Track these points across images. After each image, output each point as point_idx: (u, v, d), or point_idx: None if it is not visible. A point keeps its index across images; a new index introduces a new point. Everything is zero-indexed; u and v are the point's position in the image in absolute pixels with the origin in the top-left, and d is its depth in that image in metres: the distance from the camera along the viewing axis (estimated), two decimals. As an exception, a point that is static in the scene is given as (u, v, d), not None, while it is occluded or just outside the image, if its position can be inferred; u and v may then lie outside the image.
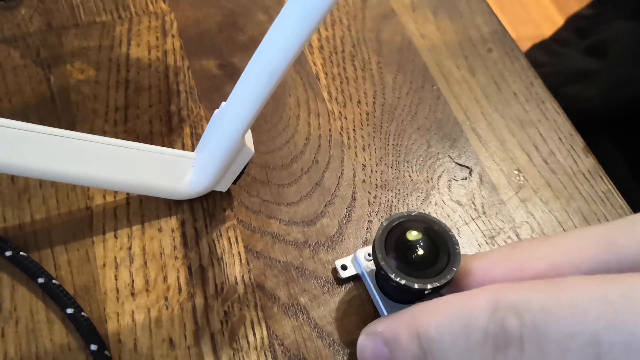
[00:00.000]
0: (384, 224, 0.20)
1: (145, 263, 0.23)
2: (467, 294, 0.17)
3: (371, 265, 0.22)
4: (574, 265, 0.17)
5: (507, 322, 0.15)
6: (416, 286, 0.19)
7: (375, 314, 0.22)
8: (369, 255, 0.22)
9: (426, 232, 0.20)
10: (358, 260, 0.22)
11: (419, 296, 0.21)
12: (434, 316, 0.17)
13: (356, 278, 0.23)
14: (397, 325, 0.18)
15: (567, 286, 0.15)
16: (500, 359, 0.15)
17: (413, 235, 0.20)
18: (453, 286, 0.19)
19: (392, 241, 0.20)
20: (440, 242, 0.20)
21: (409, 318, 0.17)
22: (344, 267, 0.23)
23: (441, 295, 0.19)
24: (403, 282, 0.19)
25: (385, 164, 0.26)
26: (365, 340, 0.19)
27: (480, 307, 0.16)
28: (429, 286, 0.19)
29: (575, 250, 0.17)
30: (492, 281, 0.18)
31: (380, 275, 0.21)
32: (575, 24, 0.47)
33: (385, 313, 0.21)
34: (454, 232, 0.24)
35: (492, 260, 0.19)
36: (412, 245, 0.20)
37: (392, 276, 0.19)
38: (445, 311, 0.17)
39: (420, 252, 0.20)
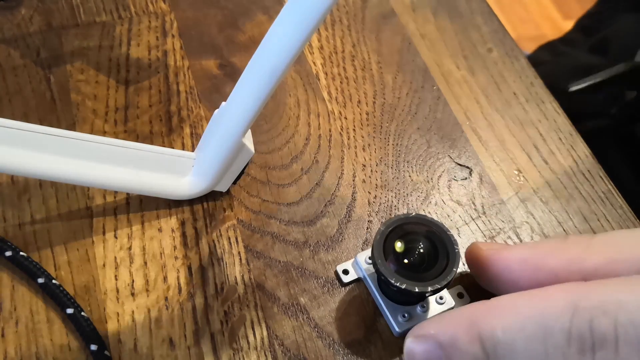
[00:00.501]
0: (382, 228, 0.20)
1: (145, 263, 0.23)
2: (537, 293, 0.16)
3: (372, 268, 0.22)
4: (631, 261, 0.16)
5: (597, 322, 0.14)
6: (417, 290, 0.19)
7: (376, 314, 0.22)
8: (369, 258, 0.22)
9: (425, 233, 0.20)
10: (359, 264, 0.22)
11: (421, 298, 0.21)
12: (501, 317, 0.16)
13: (358, 281, 0.23)
14: (453, 327, 0.17)
15: None
16: None
17: (398, 247, 0.20)
18: (505, 272, 0.19)
19: (391, 244, 0.20)
20: (439, 243, 0.20)
21: (468, 319, 0.17)
22: (345, 272, 0.23)
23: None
24: (403, 286, 0.19)
25: (385, 164, 0.26)
26: (414, 344, 0.18)
27: (558, 308, 0.15)
28: (429, 289, 0.19)
29: (631, 247, 0.17)
30: (548, 271, 0.18)
31: (381, 280, 0.21)
32: (582, 24, 0.47)
33: (388, 315, 0.21)
34: (454, 232, 0.24)
35: (544, 250, 0.18)
36: (410, 250, 0.20)
37: (392, 281, 0.19)
38: (513, 312, 0.16)
39: (419, 255, 0.20)
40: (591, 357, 0.14)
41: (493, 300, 0.17)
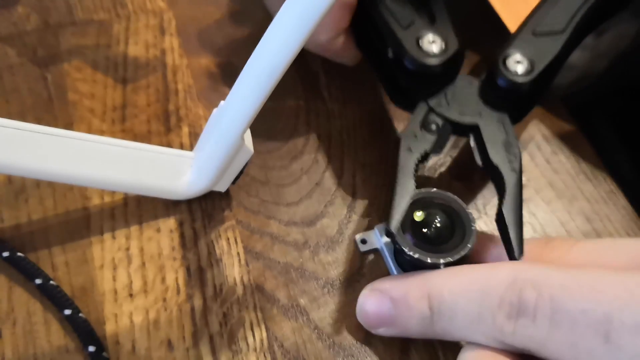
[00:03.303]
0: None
1: (144, 264, 0.22)
2: (488, 265, 0.18)
3: (390, 239, 0.22)
4: None
5: (525, 293, 0.16)
6: (429, 260, 0.19)
7: (376, 316, 0.22)
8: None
9: (443, 208, 0.20)
10: (377, 235, 0.23)
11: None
12: (450, 280, 0.18)
13: (375, 252, 0.23)
14: (407, 285, 0.19)
15: (590, 270, 0.16)
16: (510, 327, 0.16)
17: (418, 215, 0.20)
18: (485, 249, 0.20)
19: (409, 217, 0.20)
20: (456, 219, 0.20)
21: (422, 279, 0.18)
22: (363, 241, 0.23)
23: None
24: (416, 255, 0.19)
25: (385, 163, 0.26)
26: (367, 296, 0.19)
27: (500, 277, 0.17)
28: (441, 261, 0.19)
29: (607, 260, 0.18)
30: None
31: (397, 250, 0.21)
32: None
33: None
34: None
35: (525, 251, 0.19)
36: (428, 222, 0.20)
37: (406, 250, 0.19)
38: (462, 277, 0.18)
39: (435, 228, 0.20)
40: (515, 322, 0.16)
41: (449, 267, 0.19)
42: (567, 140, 0.27)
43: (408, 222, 0.20)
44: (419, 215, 0.20)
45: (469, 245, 0.19)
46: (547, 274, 0.16)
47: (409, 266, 0.21)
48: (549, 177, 0.26)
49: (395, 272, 0.22)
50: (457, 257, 0.19)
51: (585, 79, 0.33)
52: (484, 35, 0.29)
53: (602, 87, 0.39)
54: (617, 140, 0.39)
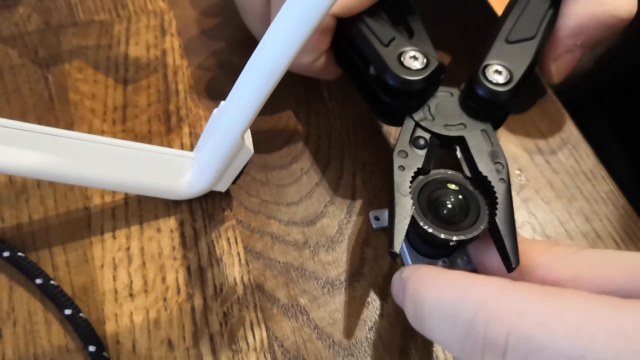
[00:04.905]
0: (419, 178, 0.20)
1: (144, 264, 0.22)
2: (465, 282, 0.17)
3: None
4: (597, 283, 0.17)
5: (492, 327, 0.15)
6: (442, 236, 0.19)
7: (377, 316, 0.22)
8: None
9: (458, 190, 0.20)
10: None
11: (445, 249, 0.21)
12: (433, 290, 0.17)
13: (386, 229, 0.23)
14: (406, 279, 0.18)
15: (573, 304, 0.14)
16: (478, 358, 0.15)
17: (453, 186, 0.20)
18: (482, 252, 0.20)
19: (424, 197, 0.20)
20: (472, 202, 0.20)
21: (418, 279, 0.18)
22: (377, 218, 0.23)
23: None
24: (430, 230, 0.19)
25: (385, 163, 0.26)
26: (394, 278, 0.20)
27: (472, 299, 0.16)
28: (454, 238, 0.19)
29: (603, 269, 0.17)
30: (516, 272, 0.19)
31: (410, 228, 0.21)
32: None
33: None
34: None
35: (526, 249, 0.19)
36: (443, 201, 0.20)
37: (421, 224, 0.19)
38: (443, 289, 0.17)
39: (450, 207, 0.20)
40: (482, 355, 0.15)
41: (443, 271, 0.18)
42: (566, 140, 0.27)
43: (424, 202, 0.20)
44: (432, 197, 0.20)
45: (482, 227, 0.19)
46: (522, 306, 0.15)
47: (420, 245, 0.21)
48: (548, 177, 0.26)
49: (406, 251, 0.22)
50: (469, 236, 0.19)
51: (575, 76, 0.33)
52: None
53: (593, 83, 0.39)
54: (615, 140, 0.39)
